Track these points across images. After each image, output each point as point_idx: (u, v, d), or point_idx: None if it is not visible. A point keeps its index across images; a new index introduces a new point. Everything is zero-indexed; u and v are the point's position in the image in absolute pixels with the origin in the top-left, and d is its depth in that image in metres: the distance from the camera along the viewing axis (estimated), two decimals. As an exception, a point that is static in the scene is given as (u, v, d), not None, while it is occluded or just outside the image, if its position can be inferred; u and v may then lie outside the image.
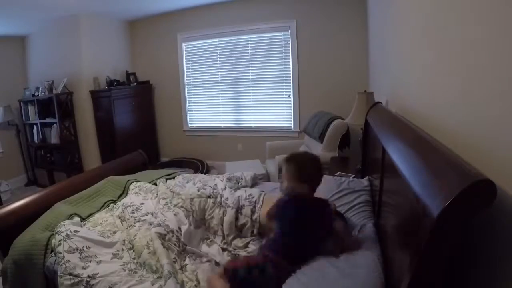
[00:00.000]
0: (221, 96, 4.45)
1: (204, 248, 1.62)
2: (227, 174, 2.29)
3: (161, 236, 1.50)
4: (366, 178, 1.99)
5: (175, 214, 1.69)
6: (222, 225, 1.72)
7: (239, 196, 1.84)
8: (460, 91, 0.90)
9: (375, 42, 2.93)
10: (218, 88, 4.43)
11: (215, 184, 2.03)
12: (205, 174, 2.81)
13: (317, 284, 1.13)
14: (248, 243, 1.61)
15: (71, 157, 4.14)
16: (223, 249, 1.61)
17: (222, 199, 1.86)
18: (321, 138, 3.06)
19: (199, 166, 4.09)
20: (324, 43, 3.75)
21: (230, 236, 1.67)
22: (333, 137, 3.01)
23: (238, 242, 1.64)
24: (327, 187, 1.87)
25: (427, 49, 1.24)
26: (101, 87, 4.11)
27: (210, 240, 1.69)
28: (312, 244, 1.23)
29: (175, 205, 1.79)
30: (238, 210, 1.76)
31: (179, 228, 1.61)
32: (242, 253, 1.55)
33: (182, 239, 1.57)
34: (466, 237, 0.75)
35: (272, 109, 4.22)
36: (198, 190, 1.93)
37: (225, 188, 1.98)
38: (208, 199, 1.85)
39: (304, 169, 1.26)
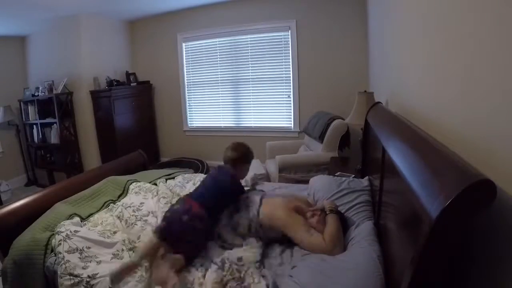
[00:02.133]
0: (221, 96, 4.45)
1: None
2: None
3: None
4: (366, 178, 1.99)
5: None
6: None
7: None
8: (460, 91, 0.90)
9: (375, 42, 2.93)
10: (218, 88, 4.43)
11: None
12: (205, 174, 2.81)
13: (318, 284, 1.13)
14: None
15: (71, 157, 4.14)
16: (222, 247, 1.60)
17: None
18: (321, 138, 3.06)
19: (199, 166, 4.09)
20: (324, 43, 3.75)
21: (226, 235, 1.65)
22: (333, 137, 3.01)
23: (235, 239, 1.63)
24: (327, 187, 1.88)
25: (427, 49, 1.24)
26: (101, 87, 4.11)
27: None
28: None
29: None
30: (236, 208, 1.75)
31: None
32: (240, 251, 1.53)
33: None
34: (466, 237, 0.75)
35: (272, 109, 4.22)
36: None
37: None
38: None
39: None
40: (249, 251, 1.44)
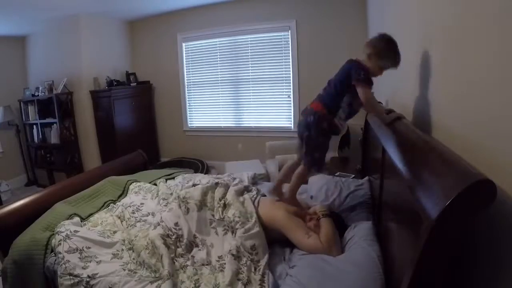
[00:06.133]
0: (221, 96, 4.44)
1: (213, 236, 1.60)
2: (226, 174, 2.29)
3: (163, 236, 1.49)
4: (366, 178, 1.99)
5: (170, 209, 1.68)
6: (222, 199, 1.69)
7: (244, 185, 1.86)
8: (460, 91, 0.90)
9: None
10: (218, 88, 4.42)
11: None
12: (205, 174, 2.81)
13: (318, 284, 1.13)
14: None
15: (71, 157, 4.14)
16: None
17: (226, 182, 1.84)
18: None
19: (199, 166, 4.09)
20: (324, 43, 3.75)
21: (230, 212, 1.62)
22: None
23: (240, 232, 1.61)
24: (327, 187, 1.88)
25: (427, 49, 1.24)
26: (101, 87, 4.11)
27: (215, 224, 1.64)
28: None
29: (172, 200, 1.79)
30: (246, 188, 1.81)
31: (176, 224, 1.58)
32: (247, 242, 1.51)
33: (185, 236, 1.55)
34: (466, 237, 0.75)
35: (272, 109, 4.22)
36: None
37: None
38: (207, 184, 1.83)
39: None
40: (258, 237, 1.45)
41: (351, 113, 1.51)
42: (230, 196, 1.68)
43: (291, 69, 3.93)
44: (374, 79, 1.44)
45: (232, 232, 1.55)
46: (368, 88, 1.39)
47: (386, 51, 1.37)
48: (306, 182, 2.13)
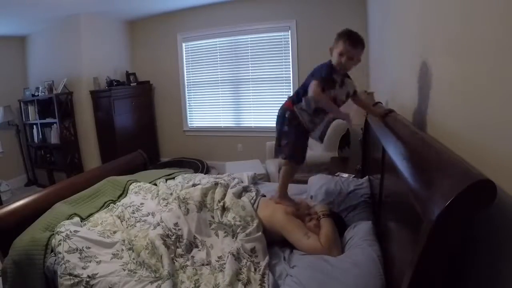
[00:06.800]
0: (221, 96, 4.45)
1: (213, 238, 1.59)
2: (226, 174, 2.29)
3: (163, 236, 1.49)
4: (366, 178, 2.00)
5: (170, 209, 1.68)
6: (221, 201, 1.69)
7: (243, 186, 1.85)
8: (461, 91, 0.90)
9: (375, 41, 2.93)
10: (218, 88, 4.43)
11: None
12: (205, 174, 2.81)
13: (318, 284, 1.13)
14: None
15: (71, 157, 4.14)
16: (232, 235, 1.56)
17: (226, 182, 1.84)
18: (321, 138, 3.05)
19: (199, 166, 4.09)
20: (324, 43, 3.71)
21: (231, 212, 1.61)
22: (333, 137, 3.01)
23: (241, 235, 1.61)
24: (327, 187, 1.88)
25: (427, 49, 1.24)
26: (101, 87, 4.11)
27: (216, 226, 1.63)
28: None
29: (172, 200, 1.79)
30: (244, 188, 1.81)
31: (175, 224, 1.57)
32: (248, 244, 1.48)
33: (185, 236, 1.54)
34: (466, 237, 0.75)
35: (272, 109, 4.21)
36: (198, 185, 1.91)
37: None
38: (207, 184, 1.83)
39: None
40: (259, 241, 1.45)
41: (318, 110, 1.59)
42: (228, 199, 1.68)
43: (291, 69, 3.94)
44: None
45: (233, 236, 1.55)
46: (318, 85, 1.47)
47: (338, 34, 1.49)
48: (304, 182, 2.14)
